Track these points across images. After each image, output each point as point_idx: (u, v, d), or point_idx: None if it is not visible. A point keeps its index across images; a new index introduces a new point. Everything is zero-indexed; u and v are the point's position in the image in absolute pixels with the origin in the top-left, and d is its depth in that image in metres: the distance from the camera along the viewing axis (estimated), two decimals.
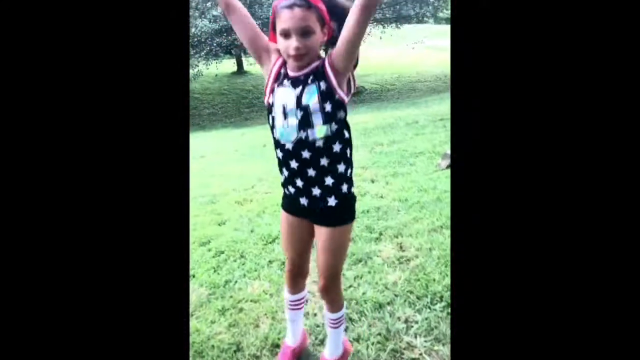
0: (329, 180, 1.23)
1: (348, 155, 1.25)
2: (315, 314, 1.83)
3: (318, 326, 1.75)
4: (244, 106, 14.45)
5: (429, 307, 1.81)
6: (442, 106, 8.52)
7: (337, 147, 1.21)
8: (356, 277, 2.11)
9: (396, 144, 5.22)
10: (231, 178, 4.56)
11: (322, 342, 1.64)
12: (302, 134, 1.18)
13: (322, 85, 1.15)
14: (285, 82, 1.20)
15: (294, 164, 1.22)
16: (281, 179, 1.32)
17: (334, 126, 1.18)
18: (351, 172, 1.28)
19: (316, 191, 1.24)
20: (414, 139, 5.38)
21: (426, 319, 1.74)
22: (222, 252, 2.47)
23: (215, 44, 12.42)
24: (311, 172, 1.21)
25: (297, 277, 1.49)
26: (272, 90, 1.22)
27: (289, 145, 1.20)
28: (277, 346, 1.62)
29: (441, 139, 5.04)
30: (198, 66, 12.89)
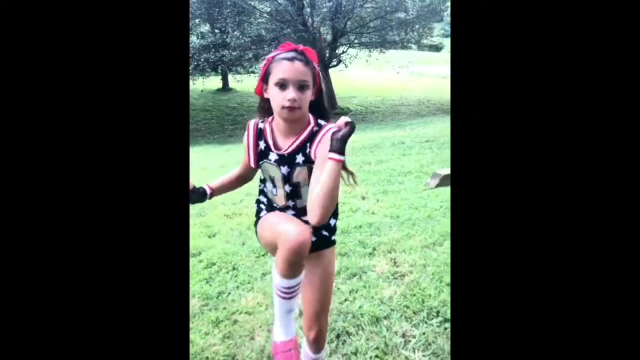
0: None
1: None
2: None
3: None
4: (227, 123, 14.42)
5: (426, 322, 1.81)
6: (427, 129, 8.70)
7: None
8: (351, 291, 2.09)
9: (384, 163, 5.27)
10: None
11: None
12: (290, 203, 1.24)
13: (311, 165, 1.20)
14: (271, 156, 1.21)
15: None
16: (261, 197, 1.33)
17: None
18: (334, 223, 1.32)
19: None
20: (401, 159, 5.45)
21: (424, 333, 1.73)
22: (214, 264, 2.42)
23: (202, 60, 12.45)
24: None
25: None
26: (257, 162, 1.25)
27: (275, 205, 1.27)
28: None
29: (428, 160, 5.12)
30: None
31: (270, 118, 1.23)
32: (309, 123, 1.21)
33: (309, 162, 1.18)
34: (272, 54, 1.15)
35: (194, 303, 2.01)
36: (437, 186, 3.78)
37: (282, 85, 1.11)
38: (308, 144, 1.18)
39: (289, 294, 1.27)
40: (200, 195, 1.27)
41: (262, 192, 1.33)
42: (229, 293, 2.09)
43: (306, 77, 1.12)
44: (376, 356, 1.61)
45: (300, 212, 1.25)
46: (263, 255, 2.51)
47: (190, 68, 12.43)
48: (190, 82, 13.17)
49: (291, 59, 1.11)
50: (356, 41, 15.52)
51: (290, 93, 1.10)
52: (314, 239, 1.24)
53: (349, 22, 13.72)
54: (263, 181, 1.29)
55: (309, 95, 1.14)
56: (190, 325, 1.84)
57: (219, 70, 15.89)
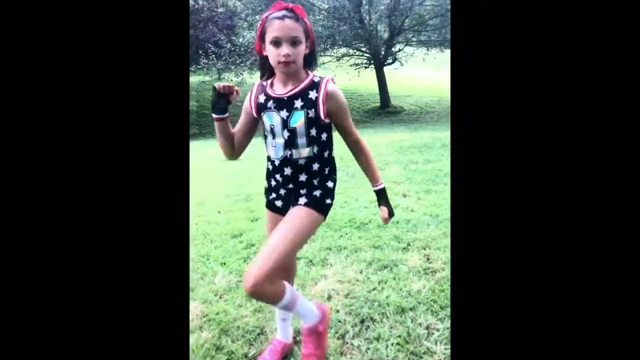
0: (303, 191, 1.35)
1: (326, 172, 1.38)
2: (337, 310, 1.87)
3: (340, 321, 1.79)
4: None
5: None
6: None
7: (315, 167, 1.34)
8: (381, 281, 2.13)
9: (431, 164, 5.21)
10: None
11: (342, 337, 1.68)
12: (287, 153, 1.31)
13: (311, 113, 1.28)
14: (270, 104, 1.30)
15: (278, 177, 1.35)
16: (266, 184, 1.44)
17: (316, 148, 1.32)
18: (327, 184, 1.38)
19: (292, 197, 1.37)
20: (450, 160, 5.35)
21: (448, 328, 1.75)
22: (253, 245, 2.56)
23: None
24: (291, 186, 1.35)
25: (283, 276, 1.46)
26: (259, 115, 1.34)
27: (276, 161, 1.34)
28: (298, 333, 1.67)
29: None
30: (243, 75, 13.35)
31: (271, 77, 1.34)
32: (307, 74, 1.32)
33: (307, 108, 1.28)
34: (265, 14, 1.25)
35: (231, 278, 2.16)
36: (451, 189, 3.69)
37: (276, 42, 1.22)
38: (310, 91, 1.29)
39: (285, 310, 1.45)
40: (224, 102, 1.29)
41: (267, 170, 1.42)
42: None
43: (297, 33, 1.22)
44: (398, 344, 1.65)
45: (297, 169, 1.33)
46: None
47: (248, 62, 12.85)
48: (249, 76, 13.63)
49: (282, 18, 1.21)
50: (414, 39, 15.24)
51: (284, 49, 1.21)
52: (317, 194, 1.36)
53: (407, 20, 13.52)
54: (265, 139, 1.37)
55: (302, 49, 1.24)
56: (226, 297, 1.98)
57: None
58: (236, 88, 1.28)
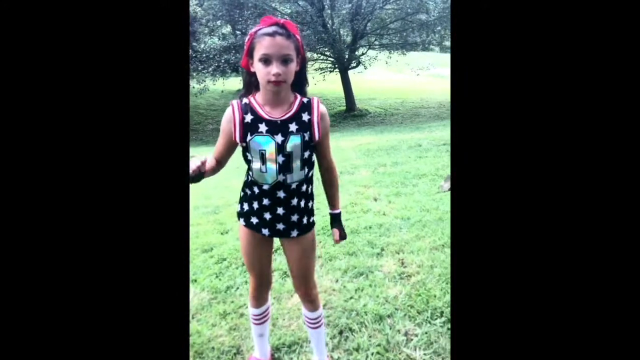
0: (294, 217, 1.31)
1: (309, 191, 1.34)
2: None
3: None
4: None
5: (429, 322, 1.82)
6: (446, 132, 8.61)
7: (304, 187, 1.31)
8: (357, 289, 2.12)
9: (399, 166, 5.27)
10: (233, 191, 4.58)
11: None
12: (281, 178, 1.24)
13: (307, 136, 1.23)
14: (262, 127, 1.20)
15: (266, 202, 1.28)
16: (244, 207, 1.34)
17: (307, 170, 1.28)
18: (312, 205, 1.37)
19: (280, 226, 1.32)
20: (417, 162, 5.43)
21: (426, 333, 1.75)
22: (224, 259, 2.49)
23: (222, 61, 12.64)
24: (280, 210, 1.29)
25: (262, 290, 1.51)
26: (244, 137, 1.22)
27: (265, 187, 1.26)
28: (278, 349, 1.63)
29: (444, 163, 5.09)
30: (205, 82, 13.12)
31: (253, 93, 1.25)
32: (295, 95, 1.25)
33: (302, 131, 1.22)
34: (254, 29, 1.17)
35: (204, 296, 2.08)
36: (450, 189, 3.76)
37: (266, 60, 1.14)
38: (303, 113, 1.23)
39: (258, 320, 1.54)
40: (200, 178, 1.18)
41: (246, 183, 1.33)
42: (237, 287, 2.14)
43: (288, 51, 1.14)
44: (377, 352, 1.64)
45: (289, 193, 1.27)
46: (275, 251, 2.57)
47: (210, 68, 12.65)
48: (212, 83, 13.40)
49: (272, 34, 1.13)
50: (376, 43, 15.49)
51: (274, 68, 1.13)
52: (305, 220, 1.34)
53: (369, 24, 13.72)
54: (248, 163, 1.27)
55: (293, 67, 1.17)
56: (198, 316, 1.91)
57: (239, 71, 16.11)
58: (202, 161, 1.13)
